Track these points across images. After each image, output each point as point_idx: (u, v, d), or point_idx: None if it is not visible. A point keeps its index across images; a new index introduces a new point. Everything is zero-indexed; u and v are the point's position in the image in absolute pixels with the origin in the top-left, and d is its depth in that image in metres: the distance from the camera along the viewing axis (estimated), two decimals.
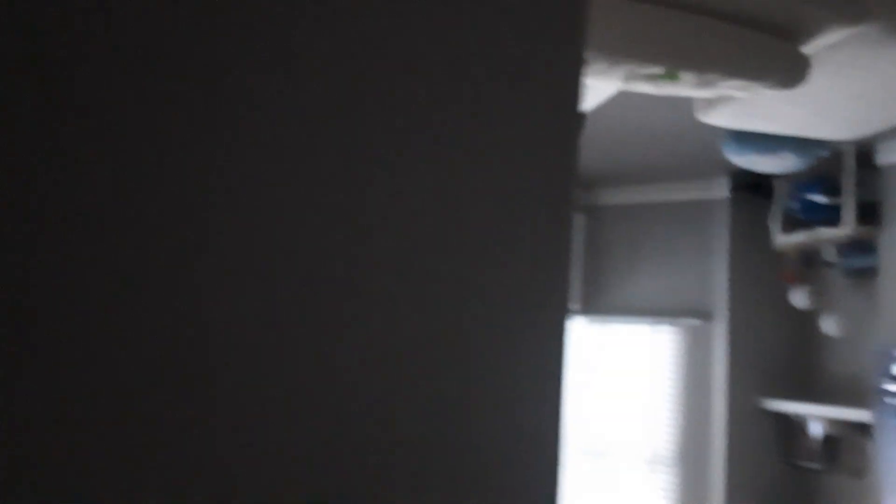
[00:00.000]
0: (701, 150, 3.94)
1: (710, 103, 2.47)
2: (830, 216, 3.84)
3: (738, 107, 2.39)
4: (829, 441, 4.09)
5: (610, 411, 4.77)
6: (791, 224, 4.07)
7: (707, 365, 4.52)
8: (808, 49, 1.78)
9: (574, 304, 4.76)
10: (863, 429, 3.80)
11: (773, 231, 4.16)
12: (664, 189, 4.69)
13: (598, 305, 4.80)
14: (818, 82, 2.24)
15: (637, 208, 4.77)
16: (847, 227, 3.73)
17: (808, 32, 1.70)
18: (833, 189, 3.85)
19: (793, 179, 4.05)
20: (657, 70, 1.63)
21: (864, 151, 3.80)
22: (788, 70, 1.71)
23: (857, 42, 2.00)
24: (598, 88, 2.22)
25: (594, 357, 4.84)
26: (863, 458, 3.91)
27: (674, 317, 4.61)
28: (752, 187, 4.28)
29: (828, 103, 2.38)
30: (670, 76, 1.65)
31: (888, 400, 3.61)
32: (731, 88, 1.73)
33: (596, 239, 4.83)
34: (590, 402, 4.80)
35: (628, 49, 1.56)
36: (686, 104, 2.62)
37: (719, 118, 2.45)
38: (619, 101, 3.46)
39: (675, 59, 1.59)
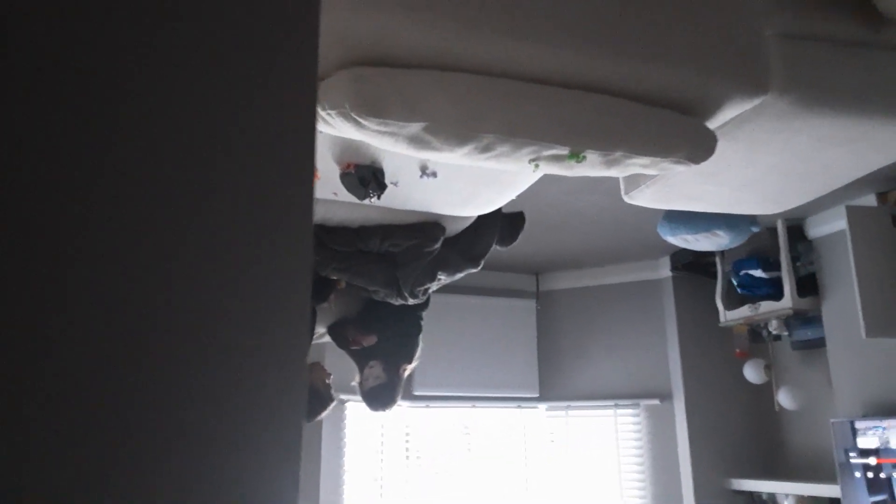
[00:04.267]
0: (643, 231, 3.90)
1: (634, 184, 2.42)
2: (772, 291, 3.78)
3: (660, 187, 2.33)
4: None
5: (578, 501, 4.49)
6: (735, 300, 4.00)
7: (672, 446, 4.32)
8: (714, 123, 1.74)
9: (531, 393, 4.57)
10: None
11: (718, 308, 4.09)
12: (612, 271, 4.63)
13: (557, 391, 4.61)
14: (734, 158, 2.20)
15: (587, 291, 4.69)
16: (788, 301, 3.66)
17: (711, 106, 1.65)
18: (771, 264, 3.81)
19: (731, 256, 4.01)
20: (562, 151, 1.55)
21: (796, 226, 3.79)
22: (694, 145, 1.64)
23: (766, 115, 1.96)
24: (518, 174, 2.15)
25: (556, 444, 4.60)
26: None
27: (634, 398, 4.44)
28: (693, 266, 4.23)
29: (747, 179, 2.33)
30: (576, 156, 1.57)
31: (855, 473, 3.43)
32: (639, 167, 1.66)
33: (549, 325, 4.71)
34: (556, 492, 4.53)
35: (528, 131, 1.49)
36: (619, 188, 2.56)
37: (642, 199, 2.39)
38: (560, 188, 3.44)
39: (577, 138, 1.52)
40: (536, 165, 1.60)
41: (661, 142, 1.59)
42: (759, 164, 2.24)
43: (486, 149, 1.50)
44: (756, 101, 1.67)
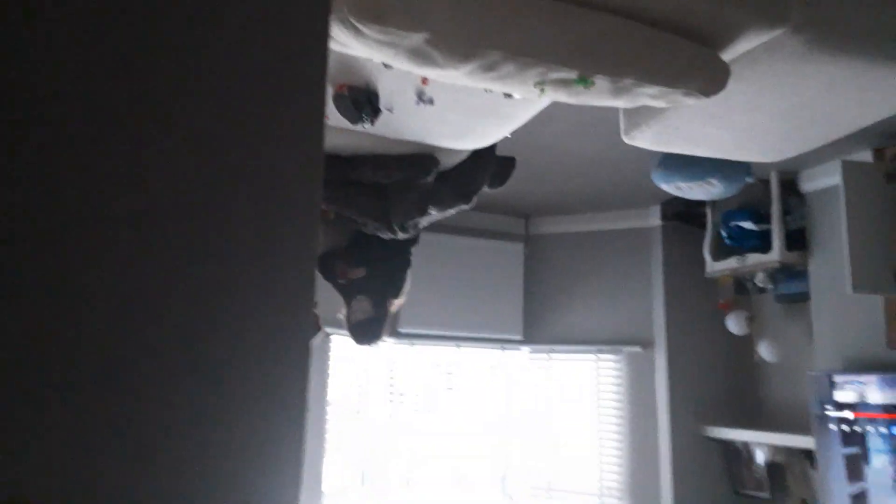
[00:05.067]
0: (635, 178, 3.84)
1: (634, 124, 2.34)
2: (760, 243, 3.76)
3: (661, 127, 2.26)
4: (774, 468, 3.93)
5: (556, 444, 4.55)
6: (723, 251, 3.98)
7: (651, 393, 4.36)
8: (727, 56, 1.66)
9: (515, 335, 4.57)
10: (807, 455, 3.65)
11: (705, 258, 4.07)
12: (601, 218, 4.58)
13: (540, 335, 4.61)
14: (740, 100, 2.12)
15: (576, 237, 4.64)
16: (776, 254, 3.64)
17: (726, 36, 1.57)
18: (762, 216, 3.77)
19: (722, 207, 3.97)
20: (570, 74, 1.47)
21: (789, 179, 3.74)
22: (706, 76, 1.57)
23: (778, 55, 1.89)
24: (517, 106, 2.07)
25: (538, 388, 4.63)
26: (807, 486, 3.75)
27: (616, 345, 4.45)
28: (683, 216, 4.19)
29: (750, 123, 2.27)
30: (583, 81, 1.49)
31: (830, 426, 3.47)
32: (648, 97, 1.58)
33: (536, 269, 4.68)
34: (535, 434, 4.58)
35: (536, 50, 1.41)
36: (618, 133, 2.49)
37: (643, 140, 2.32)
38: (554, 130, 3.35)
39: (586, 62, 1.44)
40: (542, 90, 1.52)
41: (672, 71, 1.52)
42: (764, 109, 2.18)
43: (490, 67, 1.42)
44: (773, 34, 1.59)
